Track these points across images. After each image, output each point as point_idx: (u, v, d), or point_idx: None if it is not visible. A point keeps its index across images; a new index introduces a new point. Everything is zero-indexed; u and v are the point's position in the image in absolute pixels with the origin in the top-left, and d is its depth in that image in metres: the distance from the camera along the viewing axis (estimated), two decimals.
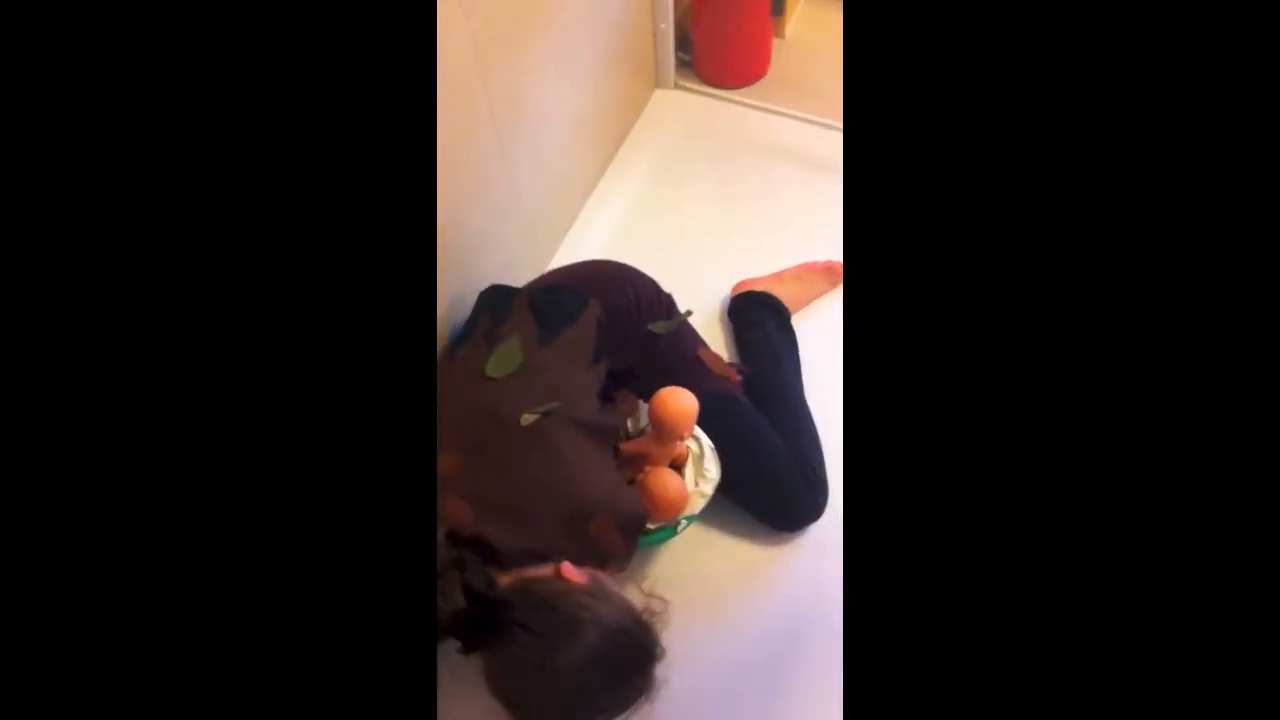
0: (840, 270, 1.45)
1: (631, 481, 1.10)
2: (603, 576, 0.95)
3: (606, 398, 1.12)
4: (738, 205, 1.59)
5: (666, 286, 1.26)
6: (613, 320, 1.16)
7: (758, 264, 1.46)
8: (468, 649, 0.89)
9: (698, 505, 1.15)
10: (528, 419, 0.99)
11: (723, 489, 1.17)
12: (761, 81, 1.76)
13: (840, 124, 1.59)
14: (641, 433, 1.15)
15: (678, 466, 1.15)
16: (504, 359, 1.06)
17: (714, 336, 1.40)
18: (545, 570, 0.92)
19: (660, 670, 0.89)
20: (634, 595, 0.94)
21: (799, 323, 1.41)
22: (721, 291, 1.46)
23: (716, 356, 1.27)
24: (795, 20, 1.86)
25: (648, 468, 1.12)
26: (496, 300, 1.16)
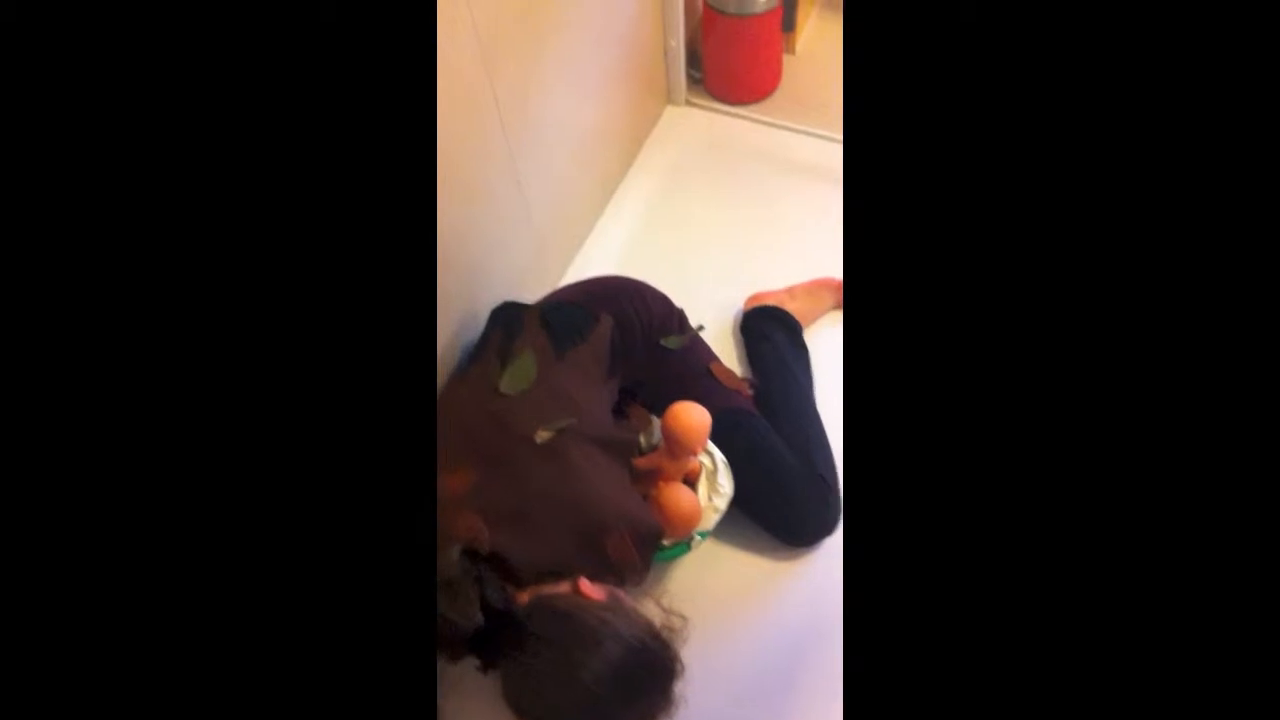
0: None
1: (645, 497, 1.11)
2: (620, 593, 0.95)
3: (620, 413, 1.12)
4: (749, 220, 1.59)
5: (678, 301, 1.27)
6: (625, 335, 1.16)
7: (770, 278, 1.47)
8: (486, 666, 0.89)
9: (711, 520, 1.15)
10: (543, 436, 1.00)
11: (736, 504, 1.17)
12: (772, 97, 1.77)
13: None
14: (654, 448, 1.15)
15: (691, 482, 1.15)
16: (518, 375, 1.06)
17: (726, 351, 1.40)
18: (563, 586, 0.92)
19: (679, 687, 0.89)
20: (652, 611, 0.94)
21: (811, 337, 1.41)
22: (734, 306, 1.46)
23: (729, 371, 1.28)
24: (805, 36, 1.87)
25: (661, 483, 1.12)
26: (509, 317, 1.17)
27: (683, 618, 0.93)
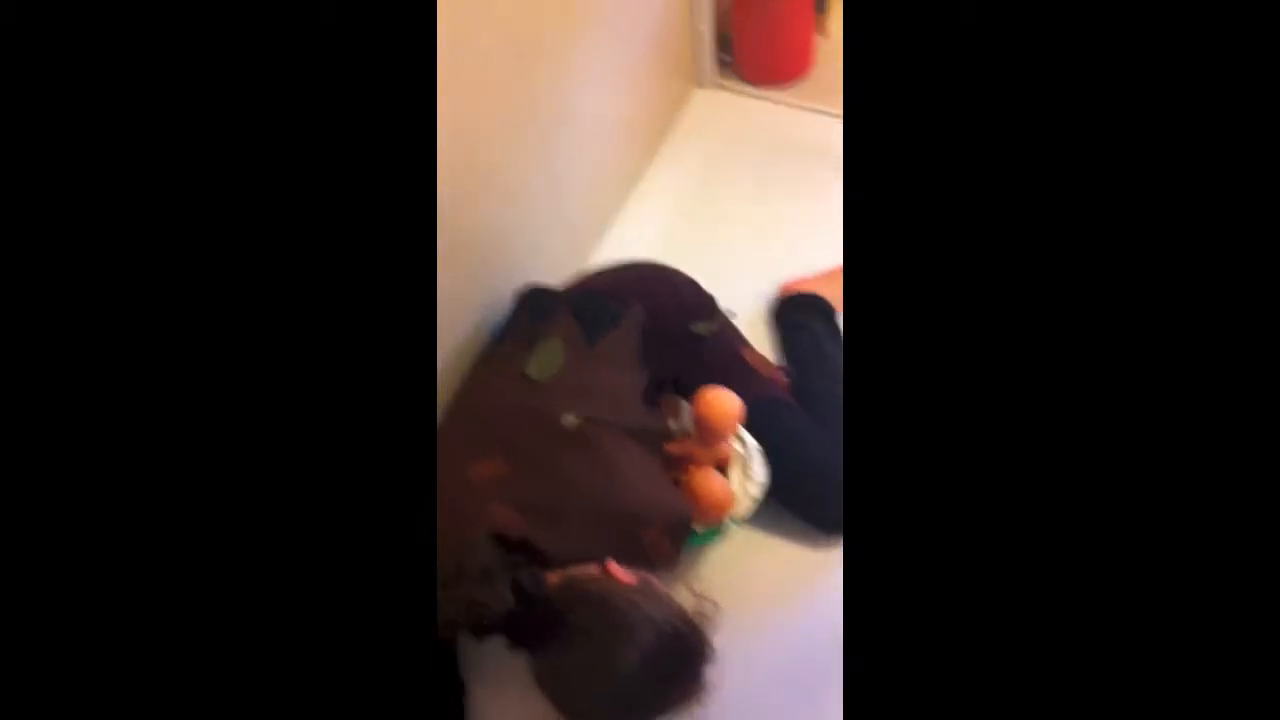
0: None
1: (676, 483, 1.10)
2: (651, 577, 0.95)
3: (652, 401, 1.12)
4: (781, 205, 1.57)
5: (709, 288, 1.25)
6: (656, 322, 1.15)
7: (803, 264, 1.44)
8: (515, 646, 0.89)
9: (745, 508, 1.13)
10: (570, 420, 0.99)
11: (769, 491, 1.15)
12: (805, 80, 1.75)
13: None
14: (686, 434, 1.14)
15: (723, 468, 1.14)
16: (546, 360, 1.06)
17: (758, 339, 1.38)
18: (592, 569, 0.92)
19: (710, 672, 0.88)
20: (684, 597, 0.93)
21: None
22: (765, 292, 1.44)
23: (761, 358, 1.26)
24: (839, 17, 1.84)
25: (692, 469, 1.11)
26: (536, 301, 1.17)
27: (714, 604, 0.92)
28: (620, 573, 0.91)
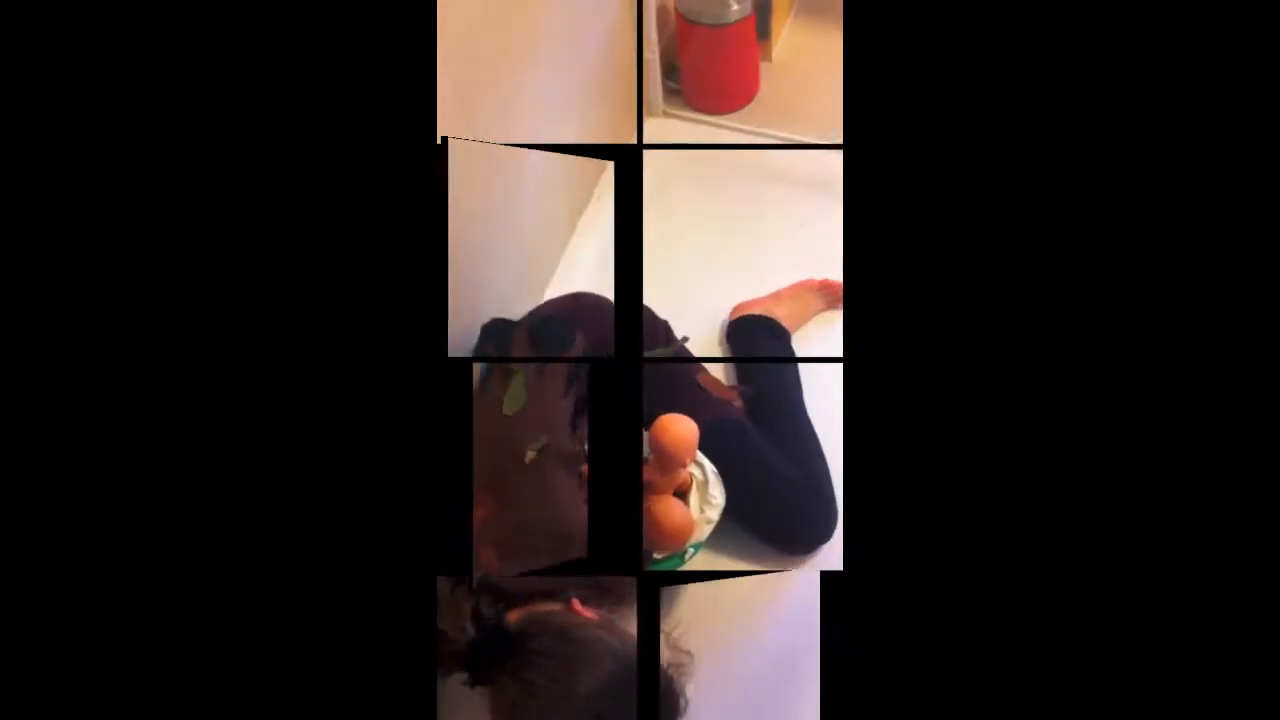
0: (836, 287, 1.45)
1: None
2: (613, 616, 0.95)
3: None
4: (732, 229, 1.59)
5: (662, 313, 1.26)
6: (607, 350, 1.16)
7: (754, 287, 1.46)
8: (476, 680, 0.88)
9: (704, 532, 1.14)
10: (530, 456, 1.00)
11: (730, 514, 1.16)
12: (750, 106, 1.77)
13: (831, 142, 1.59)
14: (644, 462, 1.14)
15: (682, 494, 1.14)
16: (515, 395, 1.07)
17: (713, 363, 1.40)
18: (555, 605, 0.91)
19: None
20: (660, 649, 0.93)
21: (800, 342, 1.40)
22: (719, 316, 1.46)
23: (716, 380, 1.27)
24: (782, 43, 1.87)
25: (652, 497, 1.11)
26: (499, 335, 1.17)
27: (689, 654, 0.92)
28: (583, 609, 0.91)
